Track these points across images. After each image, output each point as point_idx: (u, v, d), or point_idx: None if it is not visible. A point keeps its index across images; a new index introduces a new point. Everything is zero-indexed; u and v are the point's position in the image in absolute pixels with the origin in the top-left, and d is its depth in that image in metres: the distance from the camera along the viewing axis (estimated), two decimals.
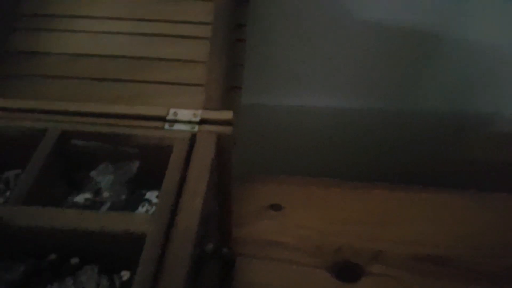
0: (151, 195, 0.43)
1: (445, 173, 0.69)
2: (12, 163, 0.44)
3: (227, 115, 0.45)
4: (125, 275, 0.36)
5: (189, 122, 0.45)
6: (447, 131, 0.75)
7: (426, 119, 0.71)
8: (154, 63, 0.50)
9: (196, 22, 0.51)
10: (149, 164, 0.44)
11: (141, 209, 0.41)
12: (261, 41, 0.61)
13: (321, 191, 0.62)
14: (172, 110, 0.46)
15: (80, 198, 0.40)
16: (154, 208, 0.42)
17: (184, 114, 0.45)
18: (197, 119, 0.45)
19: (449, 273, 0.55)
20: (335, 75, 0.66)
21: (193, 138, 0.42)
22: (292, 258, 0.53)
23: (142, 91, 0.49)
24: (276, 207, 0.59)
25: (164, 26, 0.52)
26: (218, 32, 0.48)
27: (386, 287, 0.53)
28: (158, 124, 0.44)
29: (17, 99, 0.45)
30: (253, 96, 0.61)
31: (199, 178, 0.38)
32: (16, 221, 0.34)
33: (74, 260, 0.36)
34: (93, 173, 0.43)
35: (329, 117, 0.68)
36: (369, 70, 0.67)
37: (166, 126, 0.44)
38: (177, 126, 0.44)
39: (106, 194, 0.41)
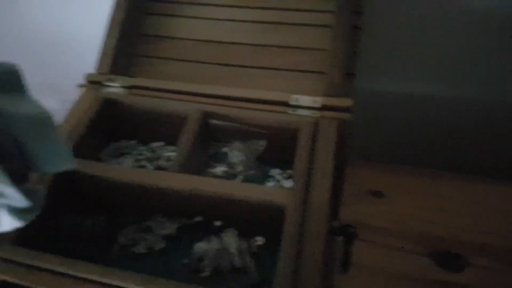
0: (274, 172, 0.48)
1: None
2: (157, 136, 0.52)
3: (347, 102, 0.48)
4: (260, 240, 0.42)
5: (311, 107, 0.48)
6: None
7: None
8: (274, 50, 0.54)
9: (317, 10, 0.54)
10: (272, 144, 0.48)
11: (268, 184, 0.46)
12: (371, 28, 0.62)
13: (422, 181, 0.63)
14: (294, 96, 0.49)
15: (218, 170, 0.46)
16: (278, 184, 0.47)
17: (306, 100, 0.49)
18: (318, 105, 0.48)
19: None
20: (444, 63, 0.65)
21: (316, 123, 0.46)
22: (395, 244, 0.55)
23: (263, 75, 0.54)
24: (377, 194, 0.61)
25: (285, 14, 0.55)
26: (341, 19, 0.50)
27: (490, 280, 0.53)
28: (281, 108, 0.49)
29: (166, 81, 0.52)
30: (362, 82, 0.62)
31: (327, 160, 0.42)
32: (174, 186, 0.41)
33: (217, 223, 0.42)
34: (226, 149, 0.48)
35: (437, 106, 0.68)
36: (480, 61, 0.65)
37: (290, 111, 0.48)
38: (299, 111, 0.48)
39: (239, 168, 0.46)
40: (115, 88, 0.51)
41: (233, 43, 0.56)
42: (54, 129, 0.30)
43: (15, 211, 0.30)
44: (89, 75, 0.53)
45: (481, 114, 0.68)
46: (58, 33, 0.87)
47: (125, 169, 0.45)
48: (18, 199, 0.29)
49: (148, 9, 0.59)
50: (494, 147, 0.72)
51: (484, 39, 0.65)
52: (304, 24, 0.55)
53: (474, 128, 0.70)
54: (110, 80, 0.51)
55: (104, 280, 0.35)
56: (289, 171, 0.48)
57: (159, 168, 0.48)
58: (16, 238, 0.38)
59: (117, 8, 0.55)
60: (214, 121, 0.48)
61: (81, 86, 0.52)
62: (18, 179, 0.29)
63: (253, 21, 0.57)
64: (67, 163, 0.32)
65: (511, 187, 0.63)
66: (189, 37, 0.58)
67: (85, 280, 0.36)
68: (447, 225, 0.57)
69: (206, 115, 0.47)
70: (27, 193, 0.30)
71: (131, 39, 0.56)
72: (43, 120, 0.30)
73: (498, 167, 0.68)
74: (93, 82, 0.52)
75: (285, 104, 0.49)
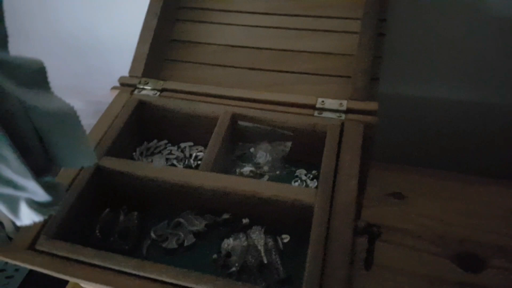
0: (300, 173, 0.50)
1: None
2: (186, 137, 0.54)
3: (373, 106, 0.49)
4: (286, 238, 0.44)
5: (336, 110, 0.50)
6: None
7: None
8: (302, 55, 0.56)
9: (343, 17, 0.55)
10: (298, 145, 0.50)
11: (294, 184, 0.48)
12: (394, 33, 0.63)
13: (442, 183, 0.64)
14: (320, 99, 0.51)
15: (245, 169, 0.48)
16: (304, 184, 0.48)
17: (331, 103, 0.50)
18: (344, 108, 0.50)
19: None
20: (467, 68, 0.66)
21: (342, 125, 0.47)
22: (415, 245, 0.56)
23: (290, 80, 0.55)
24: (398, 196, 0.62)
25: (312, 21, 0.57)
26: (367, 26, 0.52)
27: (509, 281, 0.53)
28: (308, 111, 0.50)
29: (196, 84, 0.54)
30: (385, 86, 0.63)
31: (352, 162, 0.43)
32: (203, 184, 0.43)
33: (245, 220, 0.44)
34: (253, 150, 0.50)
35: (458, 110, 0.68)
36: (506, 66, 0.65)
37: (316, 113, 0.50)
38: (325, 114, 0.50)
39: (265, 168, 0.48)
40: (147, 90, 0.53)
41: (261, 48, 0.58)
42: (78, 125, 0.30)
43: (35, 205, 0.30)
44: (122, 78, 0.55)
45: (504, 119, 0.68)
46: (83, 35, 0.90)
47: (155, 167, 0.47)
48: (39, 194, 0.29)
49: (180, 15, 0.61)
50: None
51: (507, 45, 0.65)
52: (330, 31, 0.57)
53: (499, 133, 0.70)
54: (142, 83, 0.54)
55: (139, 273, 0.37)
56: (314, 172, 0.49)
57: (188, 167, 0.50)
58: (53, 232, 0.40)
59: (150, 15, 0.57)
60: (242, 123, 0.49)
61: (114, 88, 0.54)
62: (40, 173, 0.29)
63: (281, 28, 0.59)
64: (89, 159, 0.32)
65: None
66: (218, 43, 0.60)
67: (120, 272, 0.38)
68: (467, 226, 0.58)
69: (235, 117, 0.49)
70: (48, 187, 0.29)
71: (163, 45, 0.59)
72: (67, 115, 0.29)
73: None
74: (125, 85, 0.55)
75: (312, 107, 0.51)
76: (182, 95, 0.52)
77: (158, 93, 0.52)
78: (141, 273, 0.37)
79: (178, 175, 0.44)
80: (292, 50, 0.57)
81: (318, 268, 0.34)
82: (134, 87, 0.53)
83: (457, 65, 0.68)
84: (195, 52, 0.60)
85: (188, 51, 0.60)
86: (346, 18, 0.56)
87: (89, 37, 0.90)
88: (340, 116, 0.49)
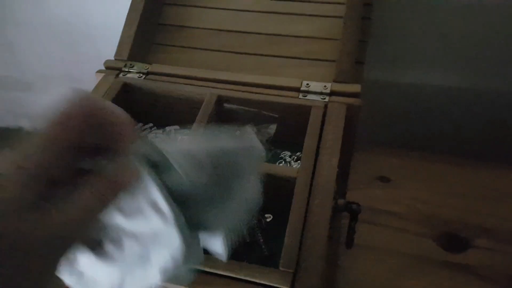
0: (284, 155, 0.50)
1: None
2: (172, 120, 0.54)
3: (356, 88, 0.50)
4: (269, 217, 0.44)
5: (321, 93, 0.50)
6: None
7: None
8: (288, 39, 0.56)
9: (329, 2, 0.56)
10: (283, 127, 0.50)
11: (279, 165, 0.48)
12: (381, 19, 0.64)
13: (428, 165, 0.64)
14: (305, 82, 0.51)
15: None
16: (288, 165, 0.49)
17: (316, 85, 0.51)
18: (328, 90, 0.50)
19: None
20: (453, 53, 0.66)
21: (325, 107, 0.48)
22: (400, 226, 0.57)
23: (276, 64, 0.56)
24: (384, 179, 0.63)
25: (299, 5, 0.57)
26: (353, 9, 0.52)
27: (491, 260, 0.54)
28: (293, 94, 0.51)
29: (182, 67, 0.54)
30: (372, 71, 0.64)
31: (334, 141, 0.44)
32: None
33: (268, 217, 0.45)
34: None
35: (445, 95, 0.69)
36: (488, 49, 0.66)
37: (300, 96, 0.50)
38: (310, 96, 0.50)
39: None
40: (132, 73, 0.53)
41: (248, 32, 0.59)
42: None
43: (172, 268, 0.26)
44: (107, 61, 0.55)
45: (490, 103, 0.69)
46: (75, 22, 0.89)
47: None
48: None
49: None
50: (501, 134, 0.73)
51: (494, 31, 0.66)
52: (317, 15, 0.57)
53: (484, 116, 0.71)
54: (128, 66, 0.54)
55: None
56: (299, 154, 0.50)
57: None
58: None
59: None
60: (228, 105, 0.50)
61: (99, 72, 0.55)
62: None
63: (268, 12, 0.59)
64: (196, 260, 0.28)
65: None
66: (205, 27, 0.60)
67: None
68: (452, 208, 0.59)
69: (220, 99, 0.50)
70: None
71: (150, 28, 0.59)
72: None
73: (504, 152, 0.69)
74: (111, 68, 0.55)
75: (297, 89, 0.51)
76: (168, 78, 0.52)
77: (144, 76, 0.53)
78: None
79: None
80: (278, 34, 0.57)
81: (296, 242, 0.35)
82: (120, 70, 0.53)
83: (445, 51, 0.69)
84: (182, 36, 0.60)
85: (175, 35, 0.60)
86: (332, 3, 0.57)
87: (80, 24, 0.89)
88: (324, 98, 0.50)
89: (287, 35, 0.56)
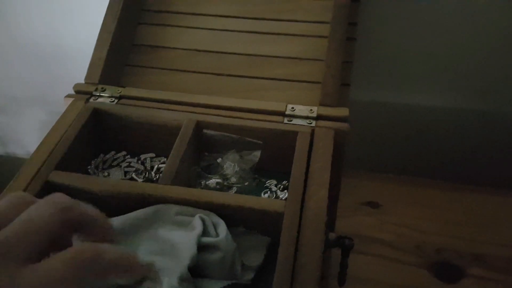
0: (270, 183, 0.47)
1: None
2: (147, 148, 0.50)
3: (343, 111, 0.47)
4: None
5: (307, 117, 0.48)
6: None
7: None
8: (271, 60, 0.53)
9: (313, 21, 0.54)
10: (268, 154, 0.47)
11: (264, 196, 0.45)
12: (367, 38, 0.62)
13: (418, 191, 0.62)
14: (289, 106, 0.49)
15: (212, 182, 0.45)
16: (274, 195, 0.45)
17: (301, 109, 0.48)
18: (314, 114, 0.48)
19: None
20: (442, 74, 0.65)
21: (312, 132, 0.45)
22: (392, 255, 0.54)
23: (258, 86, 0.53)
24: (373, 204, 0.60)
25: (282, 25, 0.55)
26: (337, 30, 0.50)
27: None
28: (277, 118, 0.48)
29: (157, 91, 0.51)
30: (357, 93, 0.62)
31: (323, 170, 0.41)
32: (166, 197, 0.39)
33: None
34: (220, 160, 0.47)
35: (432, 116, 0.68)
36: (479, 71, 0.65)
37: (285, 120, 0.48)
38: (295, 121, 0.47)
39: (233, 179, 0.45)
40: (104, 98, 0.49)
41: (228, 53, 0.56)
42: None
43: None
44: (77, 85, 0.51)
45: (477, 124, 0.68)
46: (46, 43, 0.85)
47: (111, 181, 0.43)
48: None
49: (143, 19, 0.58)
50: (492, 157, 0.72)
51: (480, 49, 0.65)
52: (300, 35, 0.55)
53: (474, 139, 0.70)
54: (99, 90, 0.50)
55: None
56: (285, 183, 0.46)
57: (149, 180, 0.46)
58: None
59: (109, 17, 0.54)
60: (208, 131, 0.46)
61: (68, 96, 0.50)
62: None
63: (249, 31, 0.56)
64: None
65: (508, 196, 0.63)
66: (182, 47, 0.57)
67: None
68: (444, 235, 0.57)
69: (199, 125, 0.46)
70: None
71: (123, 49, 0.55)
72: None
73: (495, 177, 0.68)
74: (80, 92, 0.51)
75: (281, 113, 0.48)
76: (142, 102, 0.49)
77: (116, 100, 0.49)
78: None
79: (135, 188, 0.40)
80: (260, 55, 0.54)
81: (286, 283, 0.31)
82: (90, 94, 0.49)
83: (430, 71, 0.68)
84: (157, 57, 0.57)
85: (150, 56, 0.57)
86: (316, 22, 0.55)
87: (49, 44, 0.85)
88: (311, 123, 0.47)
89: (269, 56, 0.53)
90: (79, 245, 0.26)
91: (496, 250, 0.56)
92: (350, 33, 0.54)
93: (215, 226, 0.37)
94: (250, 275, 0.36)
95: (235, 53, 0.55)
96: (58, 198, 0.25)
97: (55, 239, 0.24)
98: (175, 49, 0.57)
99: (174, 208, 0.38)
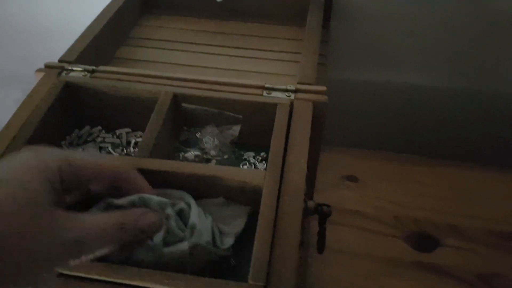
0: (248, 156, 0.47)
1: None
2: (123, 122, 0.49)
3: (321, 88, 0.47)
4: None
5: (286, 90, 0.47)
6: None
7: (507, 101, 0.69)
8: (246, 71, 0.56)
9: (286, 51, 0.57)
10: (247, 128, 0.47)
11: (243, 168, 0.45)
12: (347, 19, 0.62)
13: (397, 166, 0.63)
14: (268, 83, 0.48)
15: (190, 154, 0.44)
16: (253, 166, 0.45)
17: (280, 84, 0.48)
18: (293, 88, 0.47)
19: None
20: (419, 52, 0.66)
21: (291, 105, 0.45)
22: (371, 227, 0.55)
23: (237, 75, 0.54)
24: (352, 178, 0.61)
25: (256, 52, 0.58)
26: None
27: (460, 259, 0.54)
28: (256, 91, 0.47)
29: (133, 68, 0.50)
30: (338, 72, 0.62)
31: (302, 141, 0.41)
32: (147, 169, 0.38)
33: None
34: (199, 134, 0.46)
35: (412, 94, 0.68)
36: (455, 49, 0.66)
37: (264, 93, 0.47)
38: (274, 94, 0.47)
39: (212, 152, 0.45)
40: (76, 72, 0.48)
41: (205, 67, 0.57)
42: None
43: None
44: (49, 62, 0.49)
45: (455, 101, 0.69)
46: (22, 21, 0.81)
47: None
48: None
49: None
50: (467, 133, 0.74)
51: (462, 28, 0.66)
52: (275, 59, 0.57)
53: (450, 115, 0.71)
54: (71, 64, 0.48)
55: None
56: (263, 154, 0.46)
57: (127, 155, 0.45)
58: None
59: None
60: (187, 105, 0.45)
61: (39, 70, 0.49)
62: None
63: (226, 55, 0.59)
64: None
65: (484, 171, 0.65)
66: (162, 61, 0.58)
67: None
68: (422, 208, 0.58)
69: (177, 98, 0.45)
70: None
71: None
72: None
73: (471, 152, 0.70)
74: (52, 67, 0.49)
75: (260, 87, 0.48)
76: (117, 76, 0.47)
77: (89, 74, 0.47)
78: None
79: (113, 160, 0.39)
80: (237, 70, 0.56)
81: (266, 253, 0.32)
82: (62, 69, 0.48)
83: (414, 49, 0.68)
84: (137, 66, 0.57)
85: (130, 65, 0.57)
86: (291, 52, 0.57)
87: (29, 20, 0.82)
88: (290, 95, 0.47)
89: (245, 71, 0.56)
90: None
91: (471, 222, 0.58)
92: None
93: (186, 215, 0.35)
94: (230, 242, 0.36)
95: (212, 67, 0.57)
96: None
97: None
98: (154, 62, 0.58)
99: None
